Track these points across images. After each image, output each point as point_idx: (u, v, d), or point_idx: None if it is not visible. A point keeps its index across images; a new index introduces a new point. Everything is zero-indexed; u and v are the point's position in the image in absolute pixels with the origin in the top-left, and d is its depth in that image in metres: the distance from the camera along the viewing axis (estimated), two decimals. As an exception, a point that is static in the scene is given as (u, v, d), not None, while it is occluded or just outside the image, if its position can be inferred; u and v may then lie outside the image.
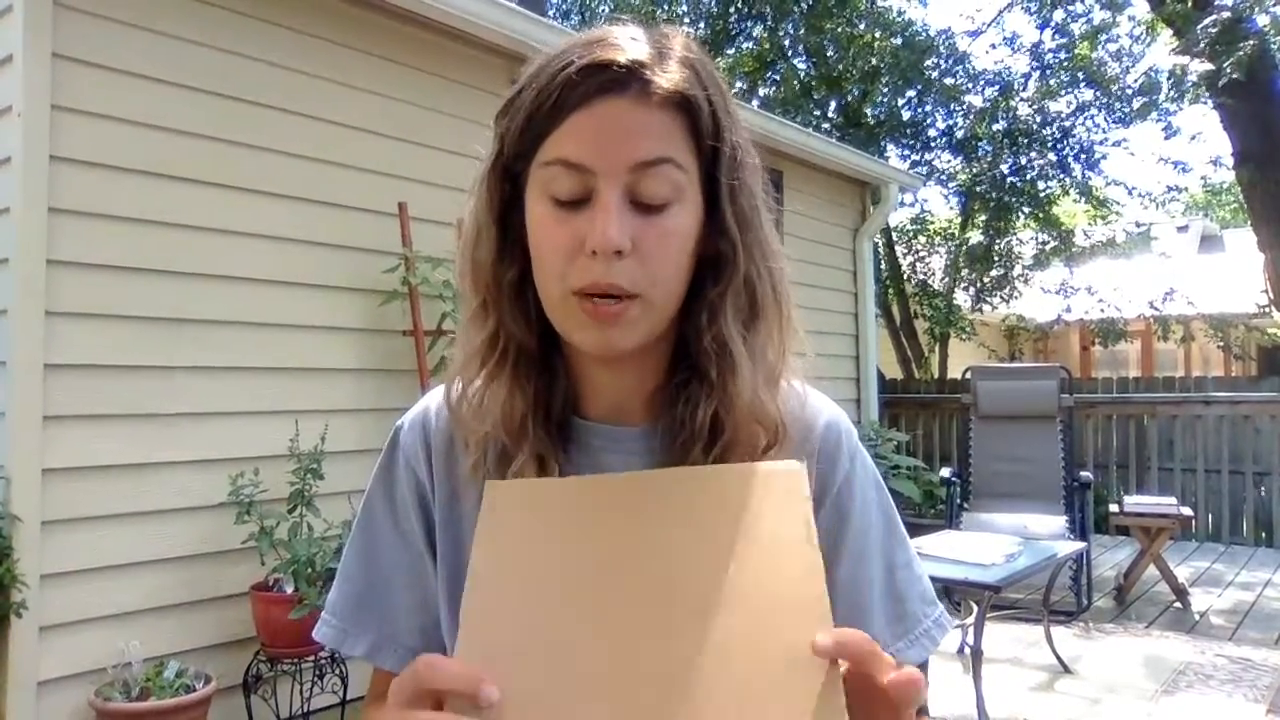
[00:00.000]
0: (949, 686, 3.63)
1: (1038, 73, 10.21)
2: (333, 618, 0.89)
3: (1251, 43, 6.01)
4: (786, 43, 11.02)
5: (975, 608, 3.25)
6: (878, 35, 10.56)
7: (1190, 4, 7.22)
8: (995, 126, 10.09)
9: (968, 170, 10.35)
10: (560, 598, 0.63)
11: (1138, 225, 10.97)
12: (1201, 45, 6.22)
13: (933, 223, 11.14)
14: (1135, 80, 9.81)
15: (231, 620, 3.11)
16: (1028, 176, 9.95)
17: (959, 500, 5.11)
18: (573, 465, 0.82)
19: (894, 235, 10.65)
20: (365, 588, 0.89)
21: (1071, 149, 9.91)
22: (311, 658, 3.03)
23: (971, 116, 10.29)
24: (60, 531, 2.77)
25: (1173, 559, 5.32)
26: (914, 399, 8.18)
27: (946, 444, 7.59)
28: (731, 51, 11.27)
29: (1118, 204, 10.66)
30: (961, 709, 3.36)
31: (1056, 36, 10.08)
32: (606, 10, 11.42)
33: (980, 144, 10.12)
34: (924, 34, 10.38)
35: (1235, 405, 6.84)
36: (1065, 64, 10.07)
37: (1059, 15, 9.96)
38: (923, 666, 0.89)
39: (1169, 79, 8.65)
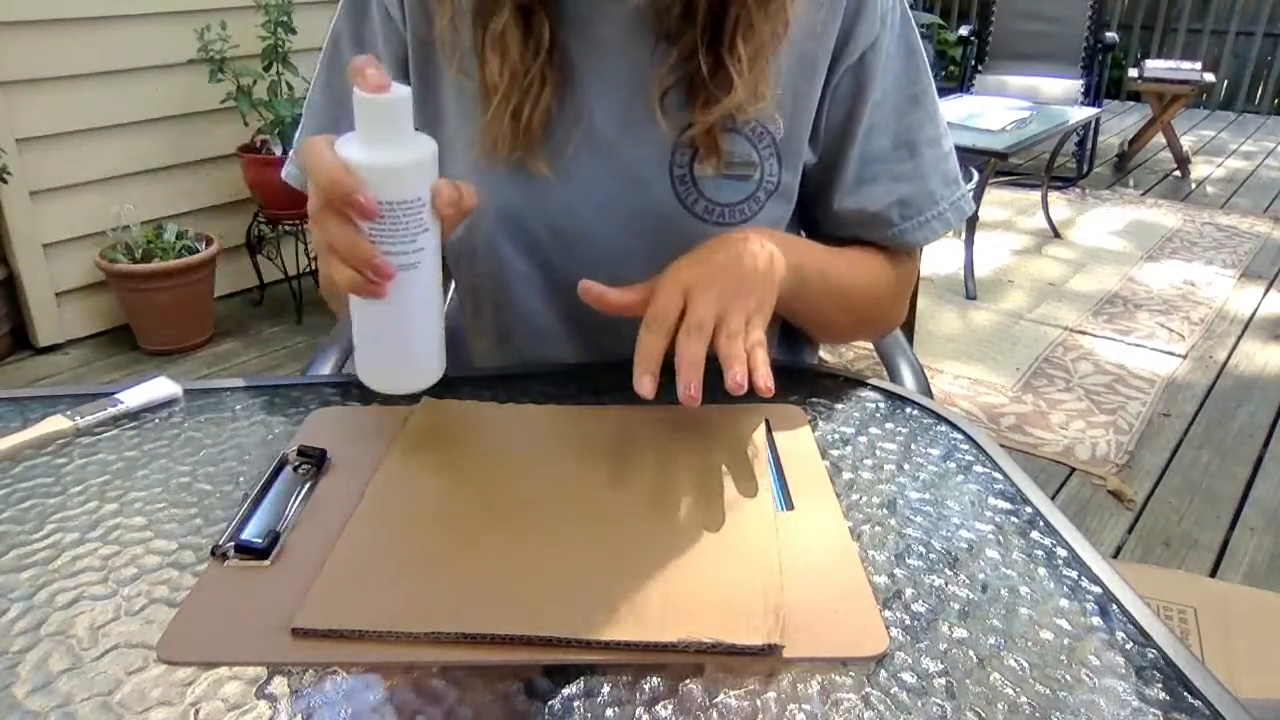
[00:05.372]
0: (939, 249, 3.71)
1: None
2: (296, 155, 0.83)
3: None
4: None
5: (977, 174, 3.20)
6: None
7: None
8: None
9: None
10: (466, 492, 0.60)
11: None
12: None
13: None
14: None
15: (224, 183, 3.07)
16: None
17: (973, 62, 4.86)
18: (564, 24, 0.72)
19: None
20: (328, 124, 0.81)
21: None
22: (311, 220, 3.03)
23: None
24: (28, 91, 2.62)
25: (1180, 127, 5.20)
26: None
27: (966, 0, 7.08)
28: None
29: None
30: (949, 269, 3.46)
31: None
32: None
33: None
34: None
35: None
36: None
37: None
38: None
39: None
